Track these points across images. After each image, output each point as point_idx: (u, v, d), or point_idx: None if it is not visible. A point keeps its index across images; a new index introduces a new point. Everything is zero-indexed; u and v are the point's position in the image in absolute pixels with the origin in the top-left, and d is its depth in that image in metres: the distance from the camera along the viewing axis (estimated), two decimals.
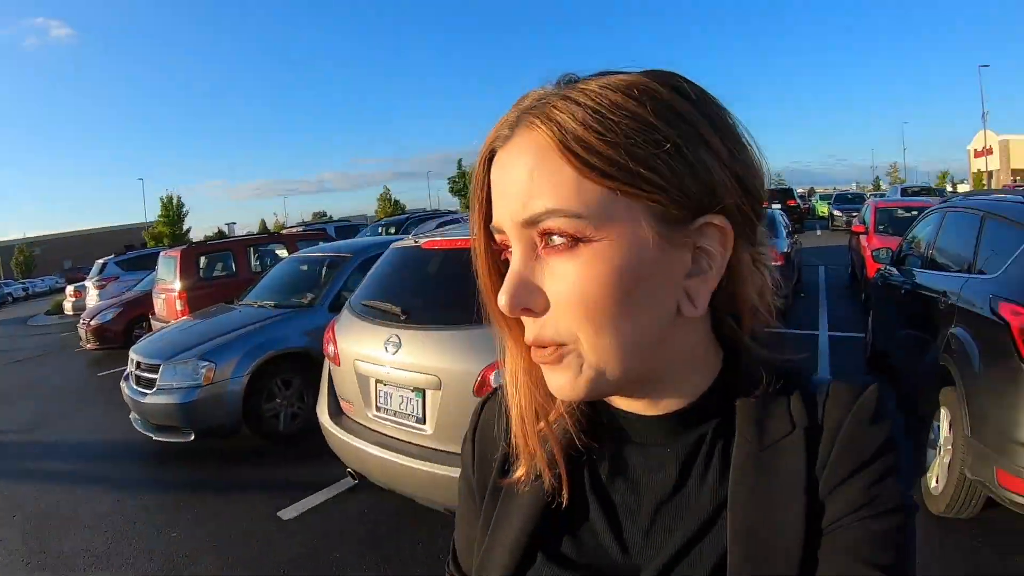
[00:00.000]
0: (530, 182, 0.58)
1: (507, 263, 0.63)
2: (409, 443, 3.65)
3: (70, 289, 20.45)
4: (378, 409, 3.82)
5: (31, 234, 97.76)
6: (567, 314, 0.58)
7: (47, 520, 5.06)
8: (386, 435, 3.78)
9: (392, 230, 17.00)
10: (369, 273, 4.61)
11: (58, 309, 23.59)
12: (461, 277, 3.57)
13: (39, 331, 20.55)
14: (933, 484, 4.01)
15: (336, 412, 4.23)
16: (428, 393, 3.56)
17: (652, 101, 0.57)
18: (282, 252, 11.33)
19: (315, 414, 4.53)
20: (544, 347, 0.61)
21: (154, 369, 5.90)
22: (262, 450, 6.01)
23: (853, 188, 67.15)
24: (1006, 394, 3.31)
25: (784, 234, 11.51)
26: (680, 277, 0.61)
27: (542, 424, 0.70)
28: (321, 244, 9.38)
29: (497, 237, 0.64)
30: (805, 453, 0.63)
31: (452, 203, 51.76)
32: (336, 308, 6.01)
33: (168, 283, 10.41)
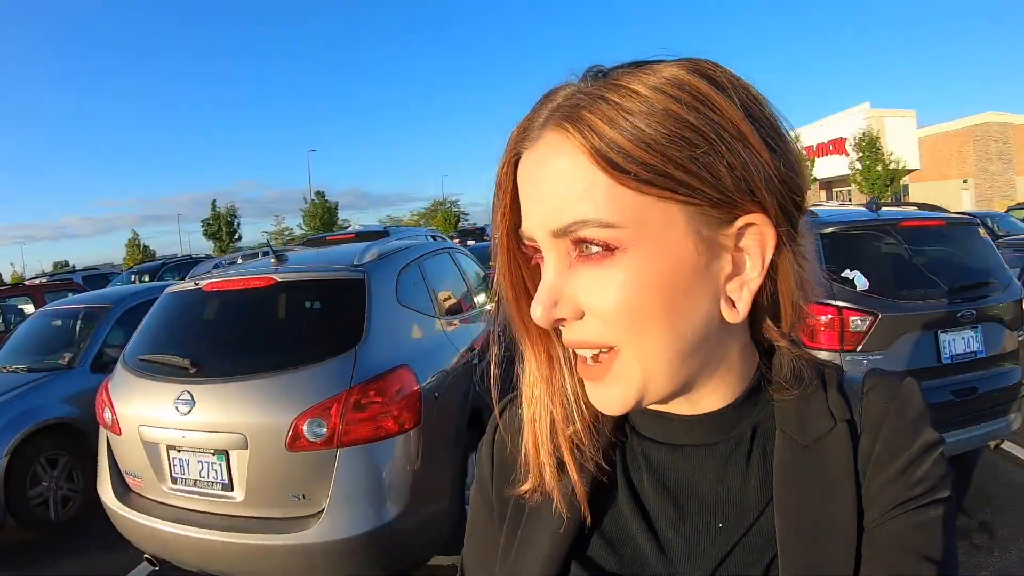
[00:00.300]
0: (561, 190, 0.56)
1: (535, 268, 0.64)
2: (216, 515, 3.21)
3: None
4: (174, 481, 3.33)
5: None
6: (607, 324, 0.57)
7: None
8: (187, 509, 3.30)
9: (146, 278, 16.33)
10: (143, 323, 4.04)
11: None
12: (252, 320, 3.22)
13: None
14: None
15: (122, 490, 3.62)
16: (233, 454, 3.15)
17: (689, 97, 0.54)
18: (28, 306, 10.11)
19: (94, 495, 3.87)
20: (592, 358, 0.61)
21: None
22: (36, 545, 5.10)
23: None
24: None
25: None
26: (721, 281, 0.60)
27: (559, 438, 0.68)
28: (72, 295, 8.39)
29: (526, 243, 0.63)
30: (851, 447, 0.62)
31: (206, 247, 49.09)
32: (101, 367, 5.37)
33: None
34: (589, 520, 0.68)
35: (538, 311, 0.58)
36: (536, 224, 0.59)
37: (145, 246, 51.85)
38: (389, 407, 3.11)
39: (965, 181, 37.91)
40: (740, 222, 0.58)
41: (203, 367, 3.39)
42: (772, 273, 0.62)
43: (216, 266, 4.37)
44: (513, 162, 0.62)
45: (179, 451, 3.29)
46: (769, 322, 0.66)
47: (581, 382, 0.67)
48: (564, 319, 0.59)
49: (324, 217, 46.50)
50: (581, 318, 0.59)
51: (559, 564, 0.67)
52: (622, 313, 0.56)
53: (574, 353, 0.65)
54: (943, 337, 4.18)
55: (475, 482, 0.83)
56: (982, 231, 4.84)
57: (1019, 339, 4.53)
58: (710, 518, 0.65)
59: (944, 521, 0.60)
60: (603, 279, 0.56)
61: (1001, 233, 13.09)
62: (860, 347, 4.02)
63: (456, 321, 4.54)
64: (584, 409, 0.69)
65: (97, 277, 18.40)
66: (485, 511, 0.80)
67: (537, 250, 0.61)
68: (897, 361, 4.03)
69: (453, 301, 4.84)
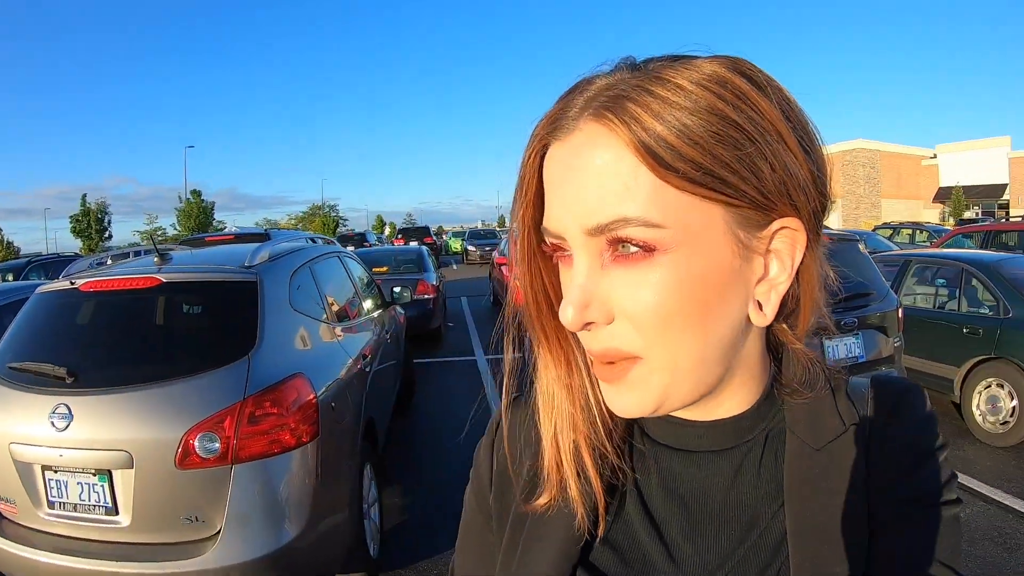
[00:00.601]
0: (601, 184, 0.53)
1: (554, 268, 0.63)
2: (100, 542, 2.94)
3: None
4: (51, 505, 3.03)
5: None
6: (639, 328, 0.55)
7: None
8: (68, 536, 3.01)
9: (10, 277, 15.17)
10: (11, 327, 3.65)
11: None
12: (135, 324, 2.94)
13: None
14: None
15: None
16: (117, 474, 2.89)
17: (732, 96, 0.53)
18: None
19: None
20: (611, 362, 0.58)
21: None
22: None
23: (479, 226, 74.78)
24: None
25: (433, 268, 12.63)
26: (752, 284, 0.59)
27: (582, 449, 0.66)
28: None
29: (549, 240, 0.60)
30: (862, 450, 0.62)
31: (74, 245, 47.07)
32: None
33: None
34: (602, 529, 0.66)
35: (569, 313, 0.55)
36: (568, 221, 0.56)
37: (8, 242, 49.01)
38: (286, 419, 2.93)
39: (833, 201, 43.31)
40: (776, 225, 0.57)
41: (81, 376, 3.09)
42: (797, 276, 0.61)
43: (90, 265, 4.04)
44: (539, 154, 0.59)
45: (56, 472, 3.00)
46: (783, 325, 0.67)
47: (598, 384, 0.65)
48: (594, 323, 0.56)
49: (199, 217, 45.64)
50: (610, 323, 0.56)
51: (566, 573, 0.66)
52: (658, 317, 0.54)
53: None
54: (827, 343, 4.57)
55: (471, 487, 0.81)
56: (862, 246, 5.29)
57: (895, 345, 5.01)
58: (720, 524, 0.64)
59: (951, 523, 0.61)
60: (640, 281, 0.54)
61: (869, 250, 14.17)
62: None
63: (348, 327, 4.42)
64: (605, 414, 0.67)
65: None
66: (482, 518, 0.78)
67: (560, 248, 0.59)
68: None
69: (343, 307, 4.72)
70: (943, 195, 44.32)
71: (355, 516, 3.52)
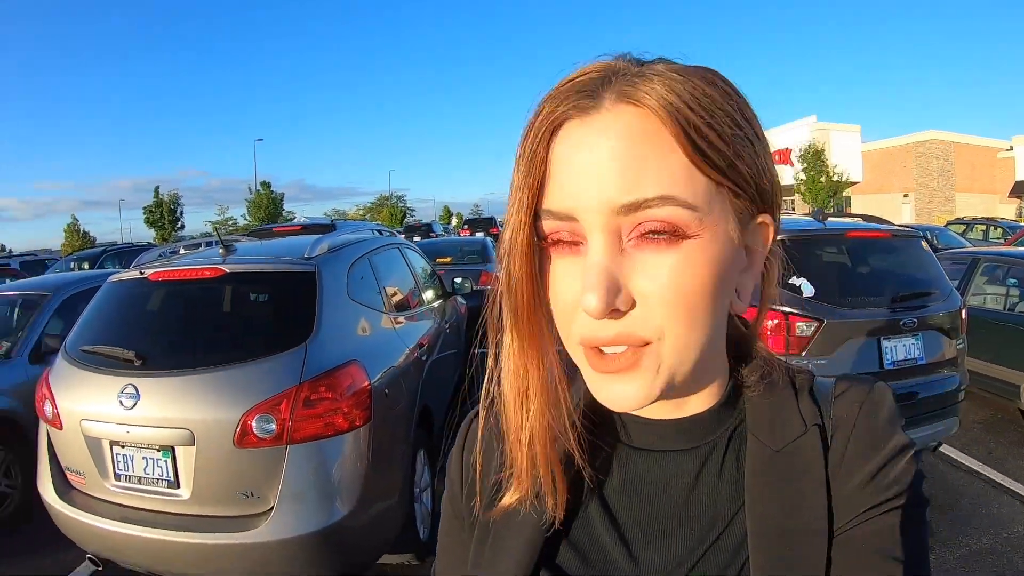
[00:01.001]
0: (638, 162, 0.53)
1: (542, 257, 0.60)
2: (162, 513, 3.15)
3: None
4: (118, 478, 3.26)
5: None
6: (661, 312, 0.55)
7: None
8: (132, 507, 3.23)
9: (86, 265, 15.72)
10: (85, 312, 3.91)
11: None
12: (200, 311, 3.16)
13: None
14: None
15: (64, 487, 3.53)
16: (179, 450, 3.09)
17: (732, 97, 0.57)
18: None
19: (34, 492, 3.77)
20: (618, 351, 0.57)
21: None
22: None
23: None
24: None
25: (496, 259, 12.13)
26: (737, 273, 0.61)
27: (553, 449, 0.65)
28: (9, 281, 8.15)
29: (547, 224, 0.58)
30: (822, 451, 0.63)
31: (147, 235, 48.36)
32: (38, 358, 5.21)
33: None
34: (558, 523, 0.67)
35: (595, 300, 0.53)
36: (589, 198, 0.54)
37: (85, 232, 50.49)
38: (339, 403, 3.09)
39: (906, 195, 39.73)
40: (759, 219, 0.61)
41: (149, 360, 3.31)
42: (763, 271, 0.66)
43: (161, 255, 4.27)
44: (550, 132, 0.56)
45: (123, 447, 3.22)
46: (736, 321, 0.69)
47: (569, 384, 0.66)
48: (618, 309, 0.54)
49: (269, 208, 46.26)
50: (631, 310, 0.55)
51: (528, 573, 0.67)
52: (682, 302, 0.55)
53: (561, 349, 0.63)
54: (885, 344, 4.37)
55: (446, 493, 0.82)
56: (924, 243, 5.03)
57: (958, 347, 4.74)
58: (682, 524, 0.65)
59: (917, 524, 0.61)
60: (670, 264, 0.54)
61: (940, 246, 13.55)
62: (805, 352, 4.20)
63: (405, 318, 4.52)
64: (572, 411, 0.67)
65: (35, 263, 17.89)
66: (457, 522, 0.79)
67: (557, 233, 0.57)
68: (841, 366, 4.20)
69: (402, 297, 4.82)
70: (1020, 189, 41.56)
71: (406, 499, 3.65)
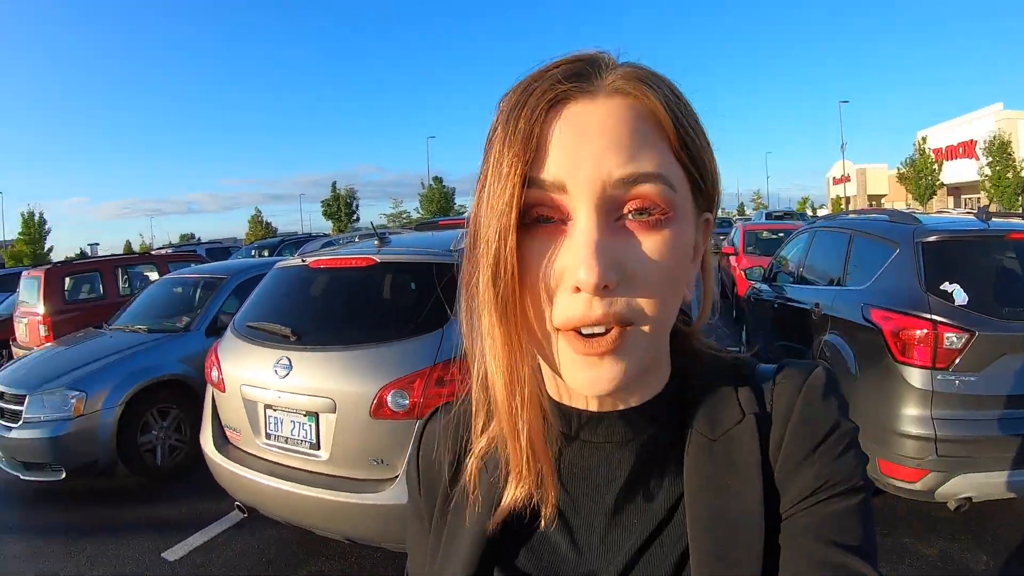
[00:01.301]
0: (634, 143, 0.56)
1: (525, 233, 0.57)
2: (303, 471, 3.54)
3: None
4: (268, 436, 3.68)
5: None
6: (647, 293, 0.56)
7: None
8: (278, 463, 3.64)
9: (265, 253, 17.24)
10: (253, 293, 4.44)
11: None
12: (351, 296, 3.48)
13: None
14: None
15: (222, 442, 4.02)
16: (322, 417, 3.46)
17: (691, 105, 0.62)
18: (153, 274, 10.82)
19: (198, 446, 4.30)
20: (600, 332, 0.56)
21: (19, 400, 5.45)
22: (141, 488, 5.64)
23: (720, 213, 71.31)
24: (882, 390, 3.91)
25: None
26: (689, 263, 0.63)
27: (541, 434, 0.63)
28: (194, 266, 9.06)
29: (532, 195, 0.56)
30: (757, 439, 0.64)
31: (325, 226, 51.38)
32: (213, 332, 5.83)
33: (31, 306, 9.66)
34: (547, 521, 0.65)
35: (591, 274, 0.52)
36: (586, 170, 0.54)
37: (267, 223, 54.48)
38: (469, 385, 3.27)
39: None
40: (704, 217, 0.66)
41: (303, 336, 3.71)
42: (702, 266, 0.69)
43: (325, 244, 4.68)
44: (546, 110, 0.56)
45: (275, 410, 3.63)
46: (679, 316, 0.69)
47: (538, 370, 0.63)
48: (609, 285, 0.54)
49: (441, 202, 47.14)
50: (618, 286, 0.55)
51: (476, 567, 0.67)
52: (666, 283, 0.57)
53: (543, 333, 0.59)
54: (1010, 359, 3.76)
55: (408, 497, 0.83)
56: None
57: None
58: (627, 514, 0.66)
59: (860, 509, 0.61)
60: (656, 246, 0.56)
61: None
62: (953, 366, 3.76)
63: None
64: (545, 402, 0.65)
65: (220, 250, 19.65)
66: (419, 523, 0.80)
67: (543, 206, 0.56)
68: (992, 384, 3.73)
69: None
70: None
71: None
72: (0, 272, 17.19)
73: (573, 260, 0.54)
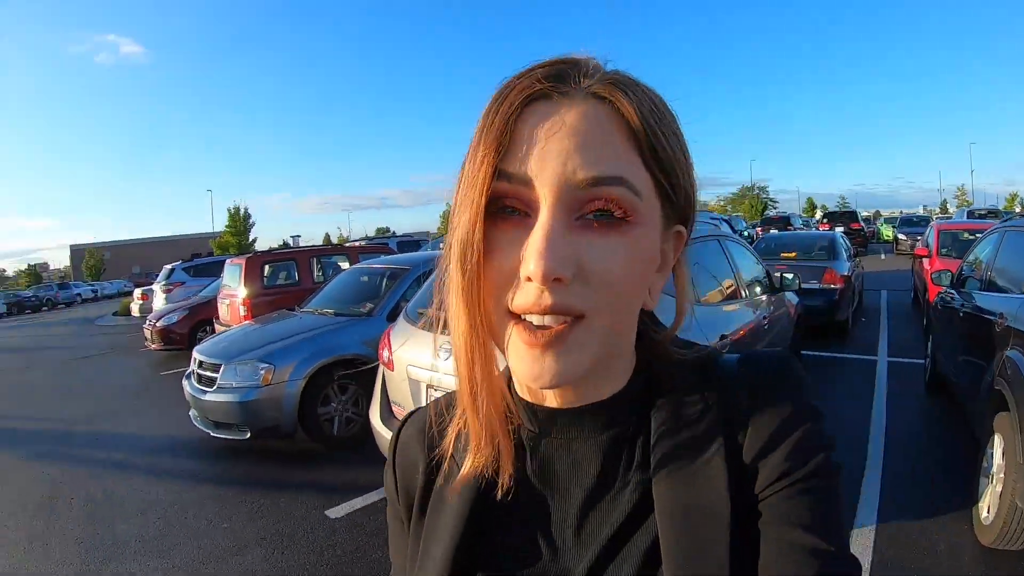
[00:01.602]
0: (601, 146, 0.58)
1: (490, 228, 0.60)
2: None
3: (137, 292, 21.46)
4: None
5: (102, 239, 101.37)
6: (599, 290, 0.58)
7: (104, 506, 5.43)
8: None
9: None
10: (427, 282, 4.77)
11: (125, 311, 24.96)
12: None
13: (106, 331, 21.66)
14: (984, 514, 3.84)
15: (388, 415, 4.47)
16: None
17: (674, 117, 0.64)
18: (344, 264, 11.77)
19: (368, 419, 4.73)
20: (550, 324, 0.57)
21: (215, 368, 6.20)
22: (315, 453, 6.26)
23: (920, 211, 65.53)
24: None
25: (845, 257, 11.49)
26: (653, 272, 0.66)
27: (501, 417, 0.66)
28: (382, 257, 9.70)
29: (500, 187, 0.58)
30: (721, 428, 0.65)
31: None
32: (394, 317, 6.25)
33: (233, 289, 10.98)
34: (503, 491, 0.68)
35: (542, 263, 0.54)
36: (552, 170, 0.57)
37: None
38: None
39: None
40: (675, 228, 0.67)
41: None
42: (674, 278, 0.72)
43: None
44: (523, 106, 0.59)
45: (435, 390, 3.99)
46: (645, 318, 0.73)
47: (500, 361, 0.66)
48: (561, 279, 0.56)
49: None
50: (571, 281, 0.57)
51: (452, 565, 0.69)
52: (621, 283, 0.58)
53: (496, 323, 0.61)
54: None
55: (387, 501, 0.84)
56: None
57: None
58: (597, 511, 0.67)
59: (829, 493, 0.62)
60: (613, 246, 0.58)
61: None
62: None
63: (712, 309, 4.62)
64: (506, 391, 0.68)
65: (410, 243, 20.34)
66: (399, 526, 0.81)
67: (507, 198, 0.59)
68: None
69: (713, 289, 4.93)
70: None
71: None
72: (208, 260, 18.98)
73: (528, 251, 0.56)
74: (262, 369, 6.00)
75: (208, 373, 6.27)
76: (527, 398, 0.71)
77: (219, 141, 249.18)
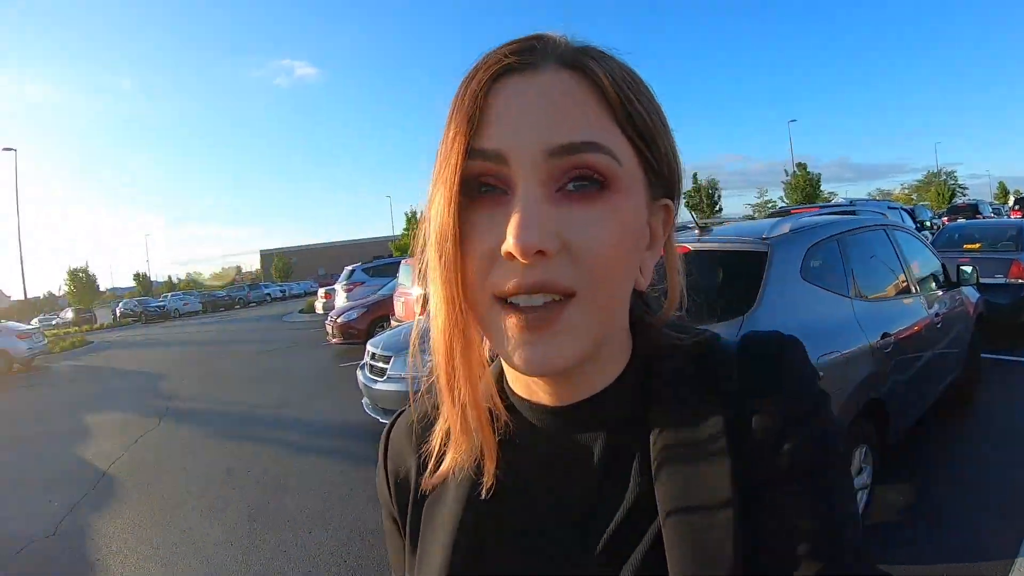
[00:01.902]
0: (573, 113, 0.56)
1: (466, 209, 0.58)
2: None
3: (321, 292, 23.11)
4: None
5: (290, 244, 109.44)
6: (586, 263, 0.55)
7: (275, 481, 5.96)
8: None
9: None
10: None
11: (310, 309, 27.21)
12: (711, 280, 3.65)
13: (292, 327, 23.70)
14: None
15: None
16: None
17: (649, 87, 0.62)
18: None
19: None
20: (536, 303, 0.55)
21: (386, 360, 6.49)
22: None
23: None
24: None
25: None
26: (643, 248, 0.63)
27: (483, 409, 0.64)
28: None
29: (474, 166, 0.57)
30: (722, 419, 0.61)
31: (688, 219, 49.53)
32: None
33: (407, 288, 11.62)
34: (487, 490, 0.66)
35: (526, 236, 0.52)
36: (525, 141, 0.55)
37: None
38: None
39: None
40: (662, 201, 0.64)
41: None
42: (665, 257, 0.68)
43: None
44: (491, 81, 0.57)
45: None
46: (640, 303, 0.70)
47: (486, 351, 0.67)
48: (545, 253, 0.53)
49: (805, 189, 44.69)
50: (554, 255, 0.54)
51: (448, 570, 0.66)
52: (609, 255, 0.55)
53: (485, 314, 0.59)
54: None
55: (381, 505, 0.82)
56: None
57: None
58: (596, 510, 0.64)
59: (836, 486, 0.59)
60: (596, 216, 0.55)
61: None
62: None
63: (874, 304, 4.32)
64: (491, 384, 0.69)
65: None
66: (393, 532, 0.80)
67: (485, 175, 0.57)
68: None
69: (877, 282, 4.62)
70: None
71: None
72: (386, 261, 19.91)
73: (509, 227, 0.53)
74: (429, 361, 6.15)
75: (380, 364, 6.56)
76: (521, 394, 0.69)
77: (395, 148, 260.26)
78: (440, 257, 0.57)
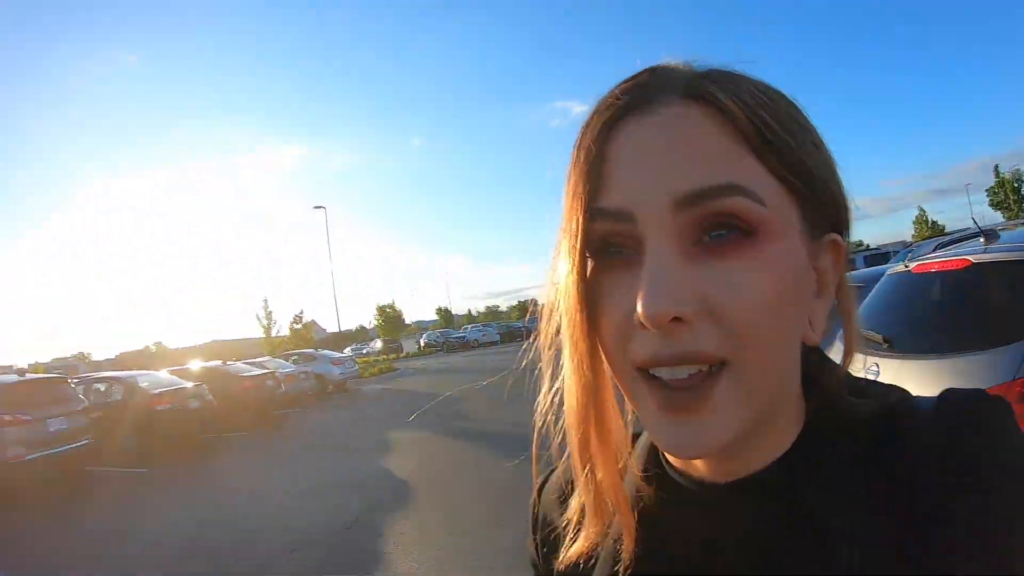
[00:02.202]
0: (701, 154, 0.50)
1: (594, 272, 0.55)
2: None
3: None
4: None
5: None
6: (735, 326, 0.48)
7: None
8: None
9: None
10: (863, 302, 4.51)
11: None
12: (943, 301, 3.69)
13: None
14: None
15: None
16: None
17: (792, 101, 0.55)
18: None
19: None
20: (682, 376, 0.49)
21: None
22: None
23: None
24: None
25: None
26: (809, 297, 0.55)
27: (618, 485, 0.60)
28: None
29: (600, 227, 0.53)
30: (908, 516, 0.50)
31: (993, 217, 43.00)
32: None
33: None
34: (562, 564, 0.66)
35: (658, 303, 0.47)
36: (650, 192, 0.50)
37: (933, 221, 51.62)
38: None
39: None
40: (828, 238, 0.57)
41: (893, 343, 3.66)
42: (839, 301, 0.60)
43: (938, 246, 4.53)
44: (607, 130, 0.53)
45: None
46: (815, 359, 0.61)
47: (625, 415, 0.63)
48: (683, 319, 0.48)
49: None
50: (695, 321, 0.49)
51: None
52: (762, 313, 0.49)
53: (624, 383, 0.55)
54: None
55: (532, 571, 0.78)
56: None
57: None
58: None
59: None
60: (743, 269, 0.49)
61: None
62: None
63: None
64: (634, 455, 0.66)
65: (878, 256, 19.29)
66: None
67: (611, 237, 0.53)
68: None
69: None
70: None
71: None
72: None
73: (639, 293, 0.48)
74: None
75: None
76: (674, 462, 0.63)
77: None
78: (570, 331, 0.55)
